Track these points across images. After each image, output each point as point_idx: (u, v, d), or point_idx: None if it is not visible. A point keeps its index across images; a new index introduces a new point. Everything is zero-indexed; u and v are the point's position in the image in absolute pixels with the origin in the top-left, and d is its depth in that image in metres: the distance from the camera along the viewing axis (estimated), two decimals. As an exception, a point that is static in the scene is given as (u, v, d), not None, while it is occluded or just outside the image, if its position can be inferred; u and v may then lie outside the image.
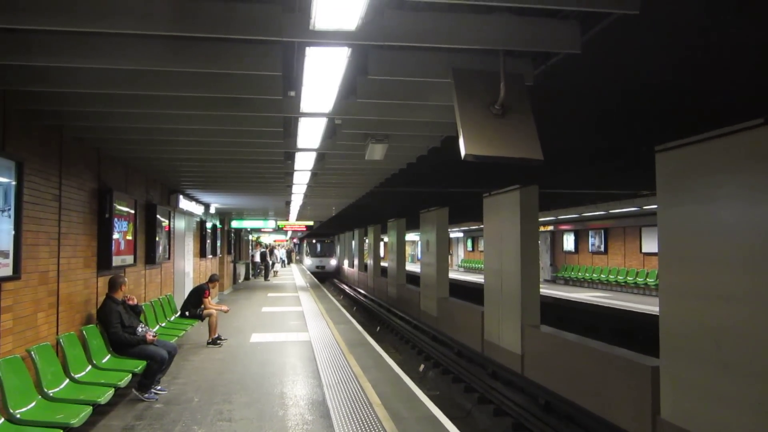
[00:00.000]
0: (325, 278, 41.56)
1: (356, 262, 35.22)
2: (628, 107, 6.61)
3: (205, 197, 15.64)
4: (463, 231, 40.94)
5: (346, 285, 37.64)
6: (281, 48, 4.44)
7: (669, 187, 6.82)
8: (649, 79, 5.57)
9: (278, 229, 29.42)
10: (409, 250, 52.75)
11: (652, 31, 4.38)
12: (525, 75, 4.61)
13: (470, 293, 21.87)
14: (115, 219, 8.10)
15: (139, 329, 7.19)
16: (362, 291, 30.91)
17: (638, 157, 8.19)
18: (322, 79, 4.71)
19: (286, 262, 49.96)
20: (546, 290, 19.05)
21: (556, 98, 6.05)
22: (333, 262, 46.64)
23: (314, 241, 47.18)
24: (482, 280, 13.35)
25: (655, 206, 7.47)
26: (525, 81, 4.55)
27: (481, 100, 4.24)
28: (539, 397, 9.57)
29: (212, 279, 11.83)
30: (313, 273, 40.53)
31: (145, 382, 6.88)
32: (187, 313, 10.80)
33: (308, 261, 47.37)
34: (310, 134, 6.99)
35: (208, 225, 17.73)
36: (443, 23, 3.96)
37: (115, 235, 8.12)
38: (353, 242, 37.17)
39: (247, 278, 30.67)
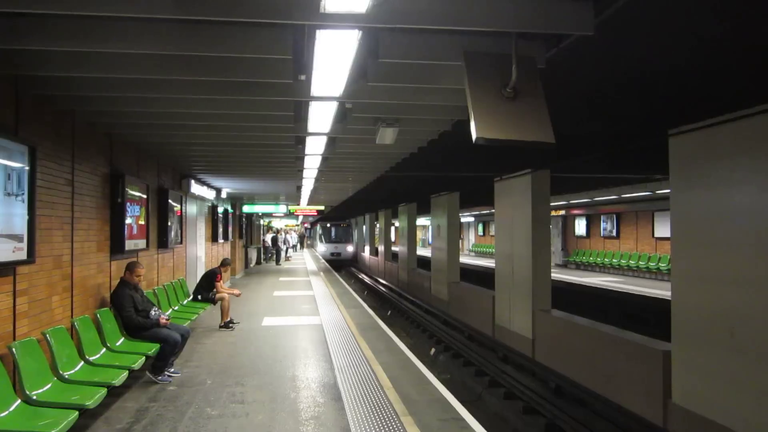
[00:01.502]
0: (340, 266, 37.66)
1: (380, 248, 31.83)
2: (641, 90, 6.54)
3: (217, 182, 15.69)
4: (474, 215, 40.87)
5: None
6: (291, 31, 4.42)
7: (682, 171, 6.77)
8: (663, 62, 5.50)
9: (289, 214, 29.26)
10: (420, 234, 52.58)
11: (667, 11, 4.31)
12: (537, 58, 4.56)
13: (481, 278, 21.88)
14: (128, 203, 8.14)
15: (152, 313, 7.27)
16: (383, 281, 28.30)
17: (651, 140, 8.12)
18: (333, 62, 4.69)
19: (297, 247, 49.11)
20: (557, 275, 19.02)
21: (568, 81, 5.99)
22: (350, 248, 42.13)
23: (328, 224, 42.66)
24: (493, 265, 13.35)
25: (667, 190, 7.42)
26: (537, 64, 4.51)
27: (492, 83, 4.20)
28: (550, 381, 9.61)
29: (224, 263, 11.89)
30: (327, 260, 36.15)
31: (158, 364, 6.96)
32: (199, 297, 10.88)
33: (322, 247, 42.39)
34: (320, 118, 6.97)
35: (220, 210, 17.79)
36: (454, 5, 3.91)
37: (128, 220, 8.17)
38: (368, 225, 35.79)
39: (258, 262, 30.82)
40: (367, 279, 31.25)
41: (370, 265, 33.42)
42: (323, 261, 35.34)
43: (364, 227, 38.05)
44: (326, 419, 5.69)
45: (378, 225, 32.44)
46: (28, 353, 5.10)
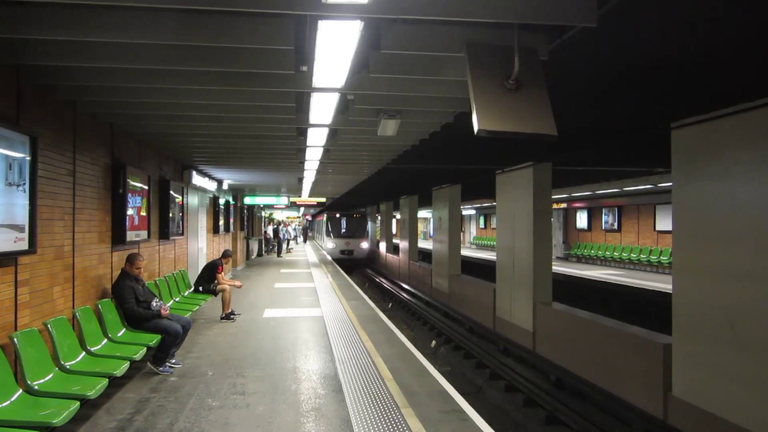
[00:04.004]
0: (353, 267, 31.36)
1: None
2: (644, 83, 6.51)
3: (218, 173, 15.67)
4: (476, 208, 40.84)
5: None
6: (293, 22, 4.40)
7: (684, 164, 6.75)
8: (666, 54, 5.47)
9: (291, 205, 28.94)
10: (421, 227, 52.40)
11: (670, 2, 4.29)
12: (539, 49, 4.54)
13: (482, 270, 21.89)
14: (129, 194, 8.14)
15: (154, 304, 7.28)
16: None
17: (653, 133, 8.09)
18: (335, 53, 4.67)
19: (299, 240, 47.53)
20: (558, 268, 19.01)
21: (570, 73, 5.96)
22: (364, 244, 34.72)
23: (337, 215, 35.06)
24: (494, 258, 13.35)
25: (669, 184, 7.41)
26: (539, 55, 4.49)
27: (494, 75, 4.18)
28: (550, 374, 9.62)
29: (225, 254, 11.90)
30: (335, 260, 29.12)
31: (159, 355, 6.98)
32: (200, 289, 10.90)
33: (329, 243, 34.57)
34: (322, 109, 6.95)
35: (221, 201, 17.80)
36: (457, -4, 3.89)
37: (129, 211, 8.17)
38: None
39: (260, 254, 30.86)
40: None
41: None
42: (328, 256, 31.04)
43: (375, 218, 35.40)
44: (327, 411, 5.71)
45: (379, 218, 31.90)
46: (29, 343, 5.11)
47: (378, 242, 32.78)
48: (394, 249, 28.63)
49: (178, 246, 12.07)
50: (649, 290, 15.94)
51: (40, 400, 4.75)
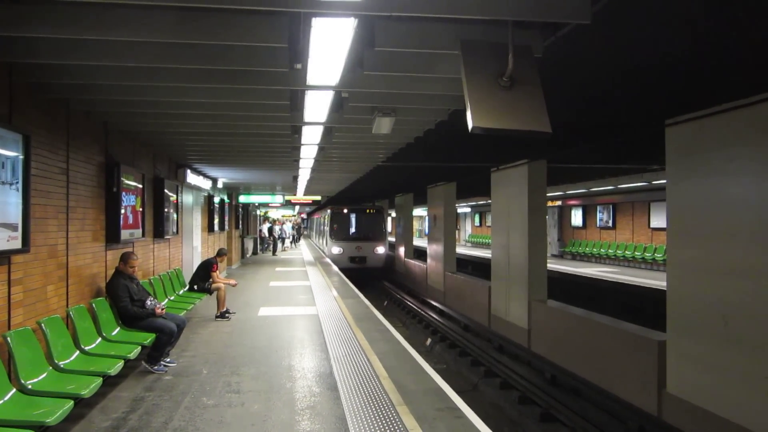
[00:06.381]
0: (366, 278, 24.37)
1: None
2: (638, 80, 6.51)
3: (213, 172, 15.64)
4: (471, 206, 40.87)
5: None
6: (287, 19, 4.39)
7: (678, 161, 6.77)
8: (660, 51, 5.47)
9: (287, 203, 28.36)
10: (416, 225, 52.32)
11: (663, 0, 4.29)
12: (534, 47, 4.54)
13: (477, 268, 21.91)
14: (123, 193, 8.11)
15: (148, 302, 7.26)
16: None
17: (648, 130, 8.11)
18: (329, 51, 4.65)
19: (294, 238, 46.54)
20: (553, 265, 19.03)
21: (565, 70, 5.96)
22: (380, 249, 26.67)
23: (345, 211, 27.58)
24: (490, 255, 13.37)
25: (664, 181, 7.43)
26: (534, 53, 4.49)
27: (489, 72, 4.18)
28: (545, 371, 9.64)
29: (220, 253, 11.87)
30: (342, 270, 21.69)
31: (154, 354, 6.96)
32: (195, 287, 10.87)
33: (334, 248, 26.63)
34: (316, 107, 6.93)
35: (216, 199, 17.76)
36: (451, -7, 3.89)
37: (123, 209, 8.14)
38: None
39: (254, 253, 30.80)
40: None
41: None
42: (333, 265, 23.19)
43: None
44: (322, 409, 5.70)
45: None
46: (23, 342, 5.09)
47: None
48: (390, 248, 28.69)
49: (173, 245, 12.04)
50: (643, 287, 15.97)
51: (34, 400, 4.73)
